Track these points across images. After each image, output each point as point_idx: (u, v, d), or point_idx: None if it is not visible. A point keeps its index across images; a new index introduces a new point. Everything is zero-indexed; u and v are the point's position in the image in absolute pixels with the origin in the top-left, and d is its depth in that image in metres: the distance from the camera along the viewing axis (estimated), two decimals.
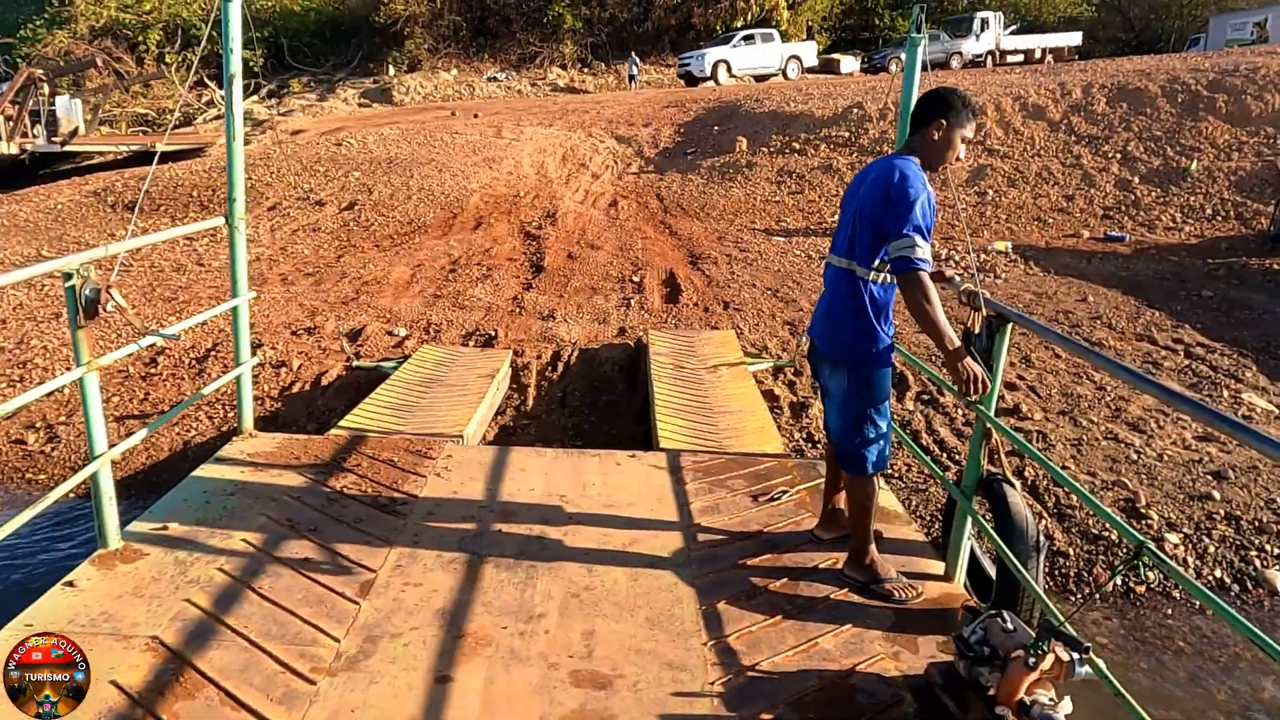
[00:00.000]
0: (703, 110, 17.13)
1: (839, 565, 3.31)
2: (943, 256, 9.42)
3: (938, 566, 3.38)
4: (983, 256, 9.38)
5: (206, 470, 3.93)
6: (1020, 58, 29.40)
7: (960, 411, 5.82)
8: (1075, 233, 10.09)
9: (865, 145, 12.84)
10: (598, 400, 6.16)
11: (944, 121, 2.77)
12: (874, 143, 12.83)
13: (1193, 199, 10.61)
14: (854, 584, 3.11)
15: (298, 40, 34.09)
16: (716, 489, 3.99)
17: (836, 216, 10.92)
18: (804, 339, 6.75)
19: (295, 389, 6.38)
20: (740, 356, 6.21)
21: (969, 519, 3.25)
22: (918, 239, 2.65)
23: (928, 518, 4.81)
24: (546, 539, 3.46)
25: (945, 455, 5.36)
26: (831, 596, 3.11)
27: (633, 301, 8.10)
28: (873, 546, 3.10)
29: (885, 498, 3.99)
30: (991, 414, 3.14)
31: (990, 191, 11.25)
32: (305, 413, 6.08)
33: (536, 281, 8.81)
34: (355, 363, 6.36)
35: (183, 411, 5.29)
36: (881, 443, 2.97)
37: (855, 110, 13.73)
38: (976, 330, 3.19)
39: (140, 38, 29.08)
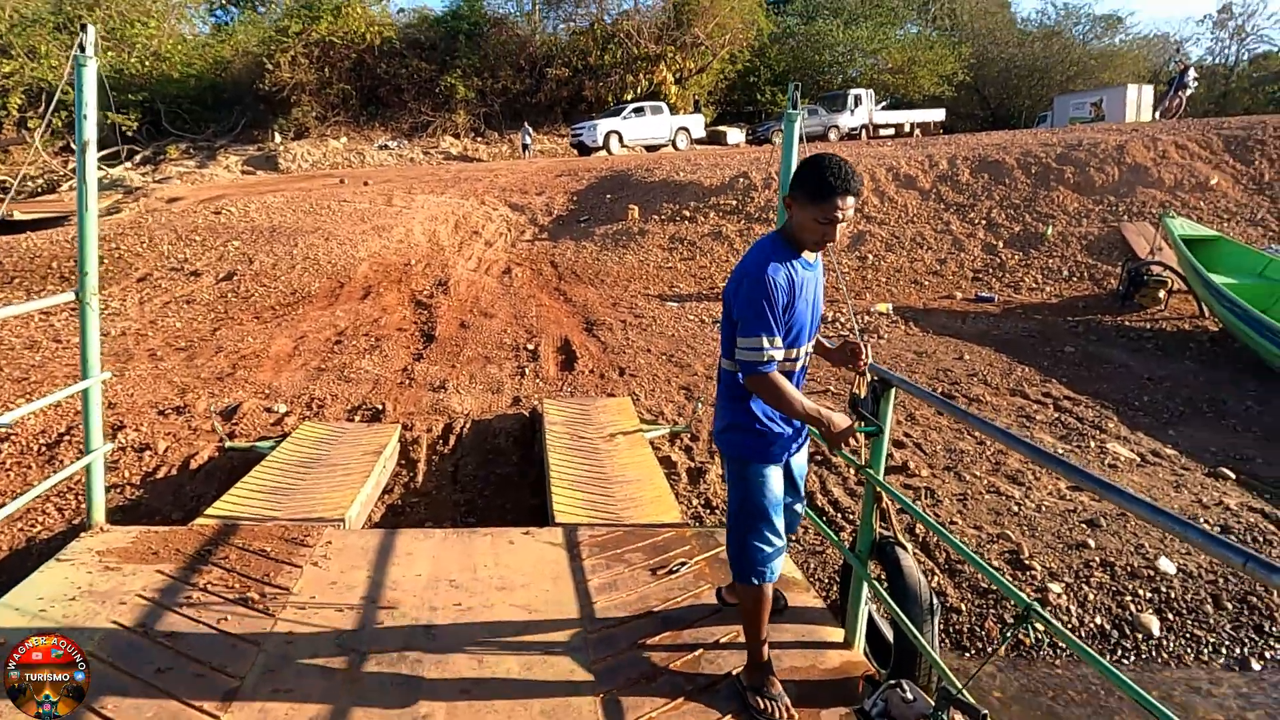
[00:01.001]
0: (595, 179, 17.42)
1: (740, 638, 3.23)
2: (828, 318, 9.75)
3: (837, 634, 3.35)
4: (866, 318, 9.76)
5: (45, 573, 3.53)
6: (891, 131, 31.53)
7: (853, 471, 5.92)
8: (949, 294, 10.66)
9: (752, 213, 13.31)
10: (491, 473, 5.96)
11: (790, 199, 2.52)
12: (760, 210, 13.32)
13: (1050, 261, 11.43)
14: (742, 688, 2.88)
15: (176, 106, 33.00)
16: (614, 564, 3.87)
17: (726, 282, 11.23)
18: (699, 405, 6.78)
19: (160, 474, 5.90)
20: (636, 423, 6.16)
21: (865, 584, 3.24)
22: (763, 339, 2.47)
23: (825, 580, 4.82)
24: (435, 629, 3.25)
25: (840, 515, 5.41)
26: (734, 674, 3.02)
27: (527, 369, 7.97)
28: (764, 651, 2.87)
29: (784, 563, 3.97)
30: (880, 477, 3.18)
31: (870, 256, 11.81)
32: (171, 500, 5.61)
33: (428, 351, 8.58)
34: (228, 444, 5.95)
35: (26, 504, 4.78)
36: (769, 552, 2.73)
37: (741, 180, 14.26)
38: (862, 394, 3.24)
39: (0, 102, 27.45)
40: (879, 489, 3.16)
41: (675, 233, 13.10)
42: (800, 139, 4.49)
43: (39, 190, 23.74)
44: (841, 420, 2.64)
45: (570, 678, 2.95)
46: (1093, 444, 6.40)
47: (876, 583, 3.11)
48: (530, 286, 11.18)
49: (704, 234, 12.91)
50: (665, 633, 3.28)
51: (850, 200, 2.46)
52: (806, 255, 2.65)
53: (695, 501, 5.58)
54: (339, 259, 12.40)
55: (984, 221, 12.44)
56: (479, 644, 3.15)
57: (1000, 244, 11.85)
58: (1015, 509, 5.46)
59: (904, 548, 3.22)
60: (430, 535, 4.14)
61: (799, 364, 2.79)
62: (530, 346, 8.69)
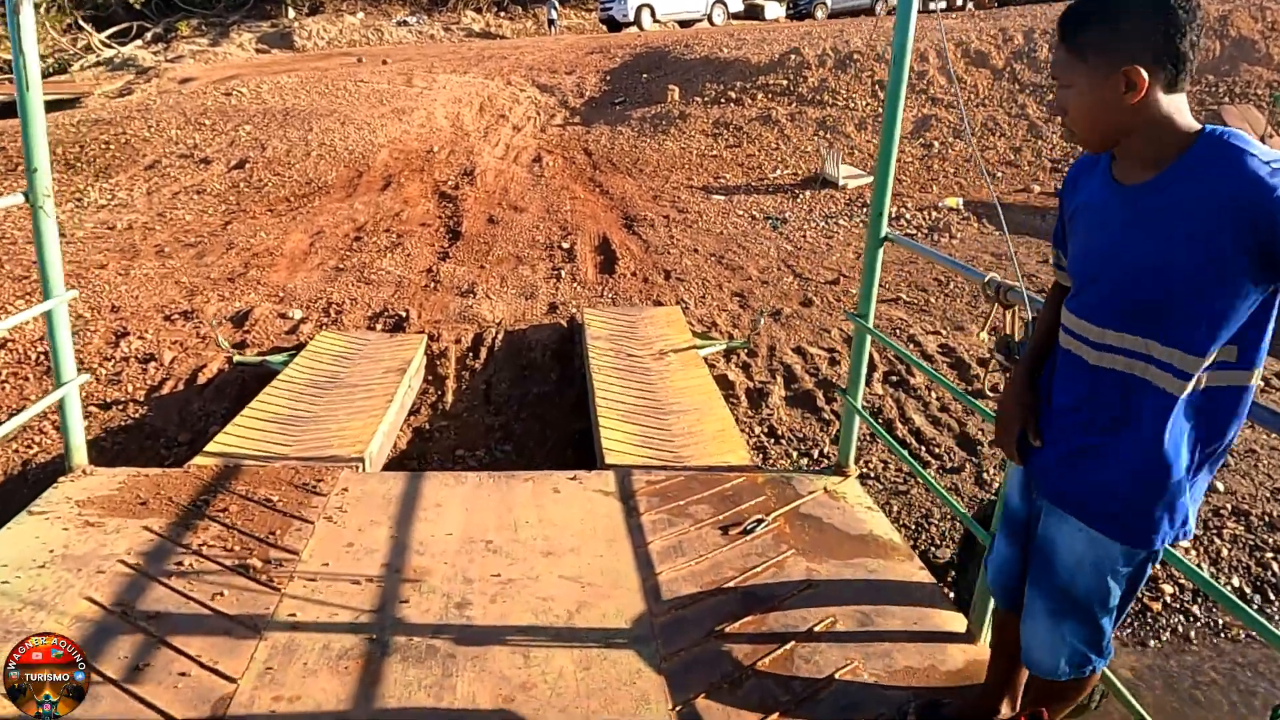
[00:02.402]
0: (629, 57, 16.09)
1: (838, 624, 2.66)
2: (892, 214, 8.83)
3: (956, 622, 2.75)
4: (934, 214, 8.83)
5: (14, 530, 3.00)
6: (943, 4, 29.01)
7: (935, 394, 5.24)
8: (1025, 187, 9.64)
9: (804, 94, 12.13)
10: (528, 394, 5.35)
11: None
12: (814, 92, 12.13)
13: None
14: None
15: None
16: (677, 519, 3.28)
17: (779, 172, 10.22)
18: (761, 318, 6.05)
19: (166, 389, 5.37)
20: (689, 338, 5.47)
21: None
22: None
23: (911, 526, 4.22)
24: (469, 609, 2.69)
25: (924, 449, 4.76)
26: (837, 677, 2.45)
27: (563, 272, 7.25)
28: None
29: (876, 520, 3.36)
30: None
31: (936, 144, 10.71)
32: (177, 420, 5.09)
33: (454, 250, 7.86)
34: (237, 358, 5.37)
35: (20, 425, 4.26)
36: (1100, 638, 1.73)
37: (793, 57, 12.96)
38: (1018, 337, 2.50)
39: None
40: None
41: (720, 116, 12.00)
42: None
43: (49, 71, 22.70)
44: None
45: (636, 682, 2.39)
46: None
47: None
48: (562, 177, 10.31)
49: (751, 118, 11.81)
50: (746, 616, 2.71)
51: None
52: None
53: (758, 430, 4.95)
54: (356, 145, 11.54)
55: (958, 108, 11.18)
56: (524, 633, 2.59)
57: (974, 135, 10.67)
58: None
59: None
60: (462, 480, 3.56)
61: None
62: (565, 245, 7.93)
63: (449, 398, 5.30)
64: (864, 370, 3.65)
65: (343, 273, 7.30)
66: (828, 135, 11.20)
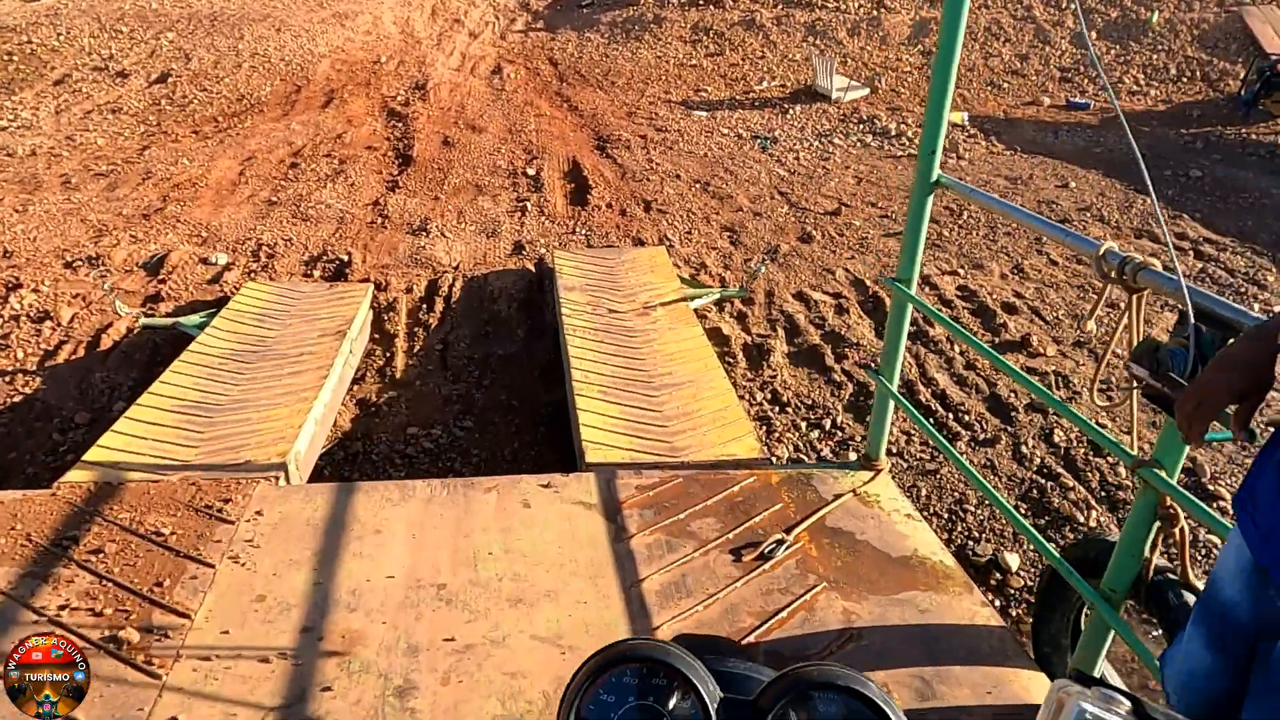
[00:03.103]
0: None
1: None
2: (891, 132, 8.01)
3: (1037, 682, 2.16)
4: None
5: None
6: None
7: (959, 350, 4.59)
8: (1034, 99, 8.82)
9: None
10: (491, 355, 4.62)
11: None
12: None
13: (1155, 57, 9.45)
14: None
15: None
16: (678, 540, 2.63)
17: (765, 83, 9.26)
18: (761, 268, 5.32)
19: (63, 355, 4.56)
20: (677, 286, 4.73)
21: (1110, 634, 2.01)
22: None
23: (944, 515, 3.62)
24: (412, 697, 2.04)
25: (951, 416, 4.14)
26: None
27: (529, 204, 6.40)
28: None
29: (919, 535, 2.74)
30: (1173, 479, 1.82)
31: (936, 50, 9.76)
32: (76, 394, 4.31)
33: (404, 178, 6.94)
34: (143, 320, 4.54)
35: None
36: None
37: None
38: (1169, 344, 1.79)
39: None
40: (1174, 501, 1.82)
41: (698, 20, 10.89)
42: None
43: None
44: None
45: None
46: (1255, 306, 5.01)
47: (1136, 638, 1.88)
48: (526, 90, 9.27)
49: (733, 23, 10.72)
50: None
51: None
52: None
53: (760, 396, 4.28)
54: (294, 55, 10.32)
55: (1072, 4, 10.25)
56: None
57: (1093, 35, 9.78)
58: None
59: (1195, 591, 1.95)
60: (409, 493, 2.86)
61: None
62: (531, 172, 7.04)
63: (399, 361, 4.55)
64: (902, 347, 2.96)
65: (276, 207, 6.39)
66: (818, 42, 10.20)
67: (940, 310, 5.00)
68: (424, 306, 5.04)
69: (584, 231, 5.96)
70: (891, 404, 3.03)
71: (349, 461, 3.89)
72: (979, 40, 9.86)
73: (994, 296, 5.14)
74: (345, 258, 5.52)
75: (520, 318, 4.91)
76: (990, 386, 4.34)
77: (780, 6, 10.87)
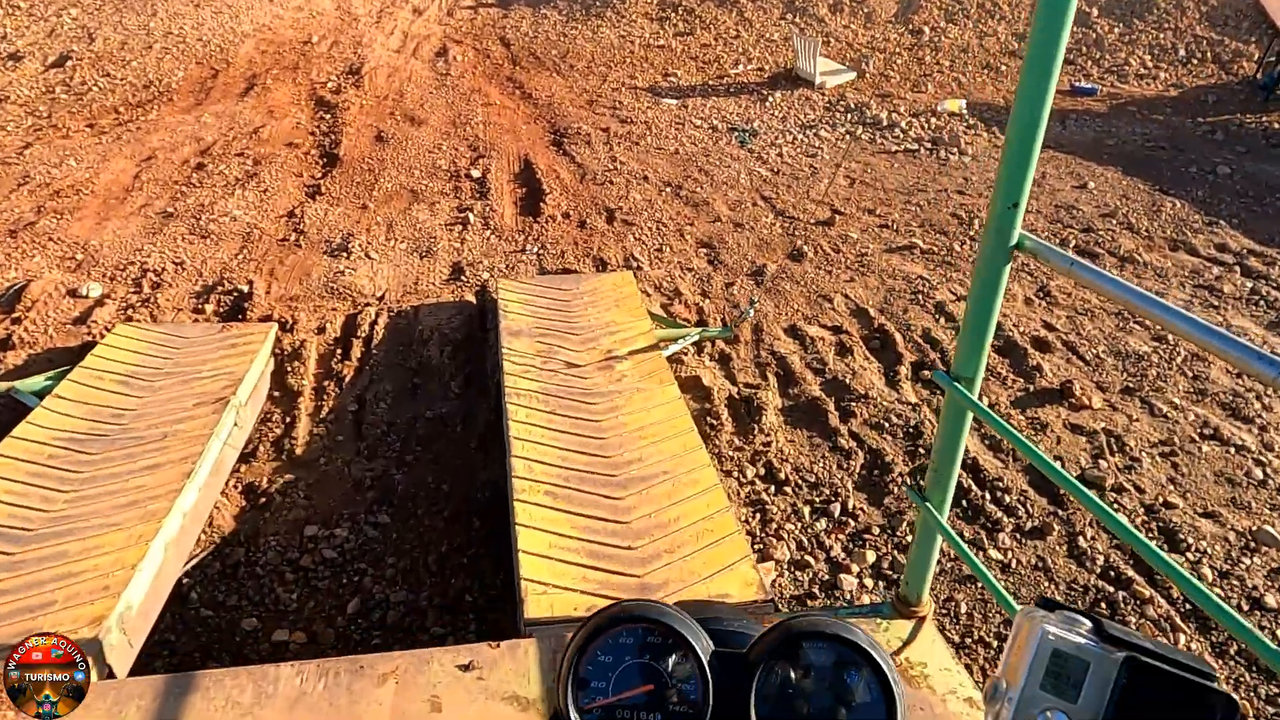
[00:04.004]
0: None
1: None
2: (882, 122, 7.17)
3: None
4: (933, 121, 7.19)
5: None
6: None
7: (987, 399, 3.79)
8: None
9: None
10: (417, 419, 3.72)
11: None
12: None
13: (1162, 36, 8.70)
14: None
15: None
16: None
17: (741, 67, 8.36)
18: (751, 309, 4.47)
19: None
20: (646, 326, 3.86)
21: None
22: None
23: (993, 643, 2.82)
24: None
25: (987, 496, 3.33)
26: None
27: (472, 214, 5.47)
28: None
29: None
30: None
31: (926, 30, 8.93)
32: None
33: (327, 182, 5.96)
34: None
35: None
36: None
37: None
38: None
39: None
40: None
41: None
42: None
43: None
44: None
45: None
46: None
47: None
48: (474, 75, 8.27)
49: None
50: None
51: None
52: None
53: (750, 471, 3.44)
54: (213, 35, 9.19)
55: None
56: None
57: (1094, 11, 9.00)
58: (1258, 470, 3.43)
59: None
60: (268, 687, 1.98)
61: None
62: (476, 173, 6.09)
63: (301, 430, 3.64)
64: (957, 466, 2.11)
65: (172, 220, 5.39)
66: (797, 20, 9.30)
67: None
68: (338, 352, 4.11)
69: (536, 249, 5.05)
70: (940, 539, 2.20)
71: (226, 576, 2.99)
72: (972, 18, 9.03)
73: (1021, 329, 4.34)
74: (246, 287, 4.57)
75: (456, 366, 4.01)
76: (1033, 441, 3.54)
77: None
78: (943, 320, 4.41)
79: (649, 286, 4.64)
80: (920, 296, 4.61)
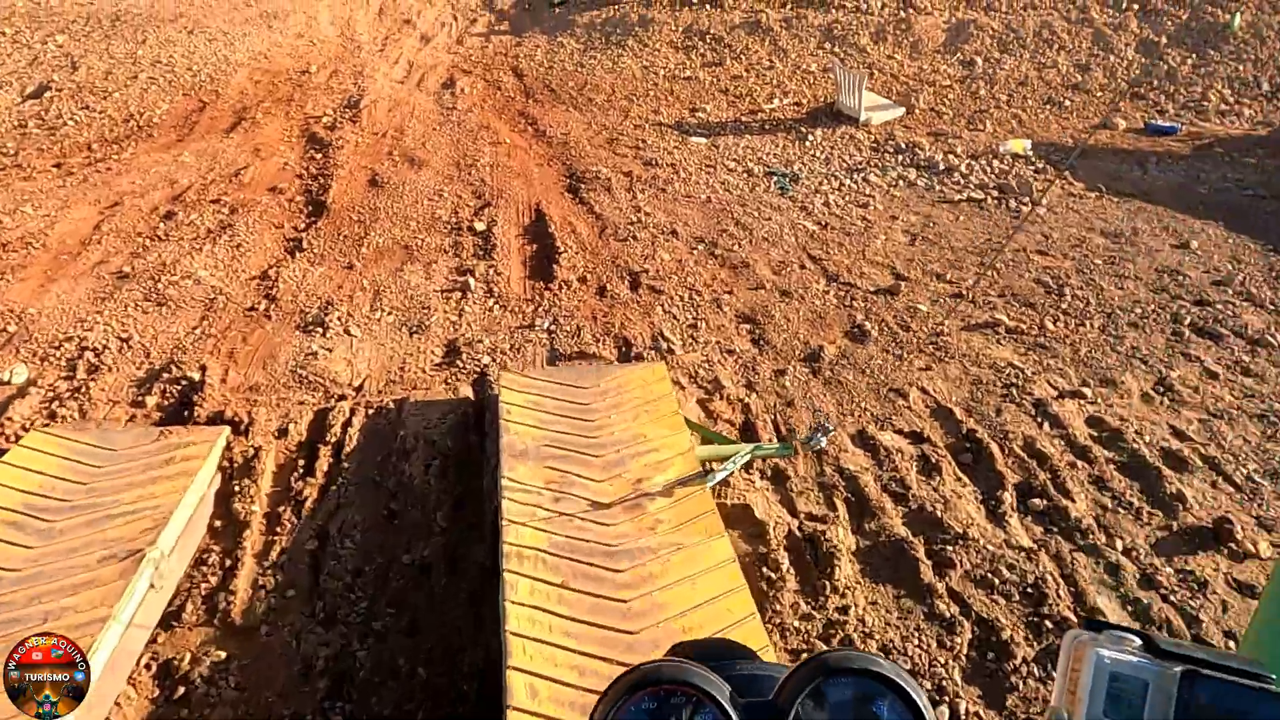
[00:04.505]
0: None
1: None
2: (939, 165, 6.37)
3: None
4: (995, 164, 6.38)
5: None
6: None
7: (1120, 540, 2.95)
8: (1103, 120, 7.21)
9: None
10: (392, 564, 2.91)
11: None
12: None
13: (1241, 68, 7.87)
14: None
15: None
16: None
17: (777, 101, 7.60)
18: (823, 436, 3.63)
19: None
20: (686, 446, 3.04)
21: None
22: None
23: None
24: None
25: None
26: None
27: (474, 277, 4.69)
28: None
29: None
30: None
31: (979, 60, 8.14)
32: None
33: (311, 235, 5.21)
34: None
35: None
36: None
37: None
38: None
39: None
40: None
41: (692, 23, 9.19)
42: None
43: None
44: None
45: None
46: None
47: None
48: (483, 109, 7.54)
49: (734, 25, 9.03)
50: None
51: None
52: None
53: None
54: (205, 64, 8.53)
55: (1135, 5, 8.64)
56: None
57: (1163, 40, 8.19)
58: None
59: None
60: None
61: None
62: (480, 225, 5.33)
63: (242, 581, 2.83)
64: None
65: (127, 283, 4.65)
66: (837, 49, 8.54)
67: (1075, 463, 3.36)
68: (300, 463, 3.33)
69: (547, 323, 4.26)
70: None
71: None
72: (1029, 47, 8.24)
73: (1146, 437, 3.50)
74: (198, 374, 3.80)
75: (444, 488, 3.21)
76: (1194, 608, 2.70)
77: (790, 6, 9.18)
78: (1046, 426, 3.57)
79: (683, 375, 3.83)
80: (1014, 391, 3.77)
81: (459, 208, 5.60)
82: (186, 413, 3.58)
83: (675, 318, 4.31)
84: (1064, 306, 4.45)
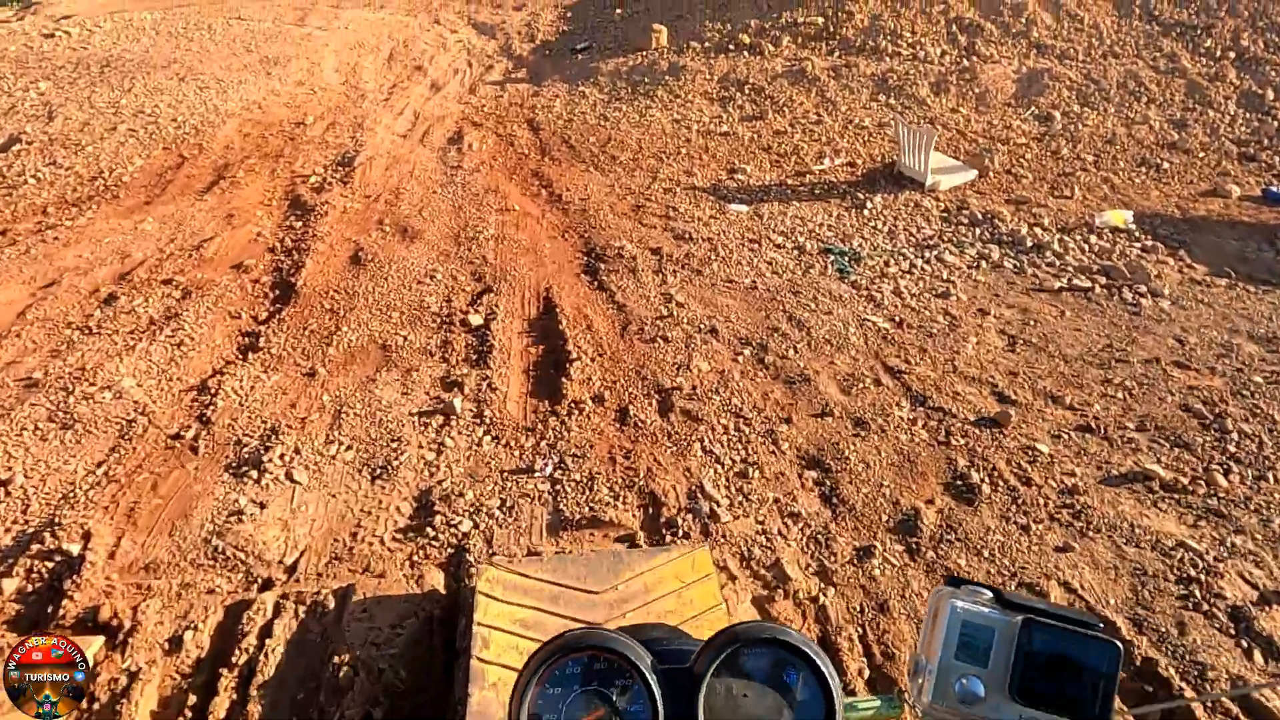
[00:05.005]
0: None
1: None
2: (1025, 241, 5.35)
3: None
4: (1092, 239, 5.35)
5: None
6: None
7: None
8: (1213, 186, 6.16)
9: (851, 38, 8.43)
10: None
11: None
12: (864, 34, 8.44)
13: None
14: None
15: None
16: None
17: (828, 161, 6.63)
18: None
19: None
20: None
21: None
22: None
23: None
24: None
25: None
26: None
27: (461, 395, 3.72)
28: None
29: None
30: None
31: (1057, 115, 7.14)
32: None
33: (272, 328, 4.28)
34: None
35: None
36: None
37: None
38: None
39: None
40: None
41: (729, 71, 8.30)
42: None
43: None
44: None
45: None
46: None
47: None
48: (492, 168, 6.65)
49: (776, 74, 8.12)
50: None
51: None
52: None
53: None
54: (192, 114, 7.76)
55: (1231, 53, 7.63)
56: None
57: (1269, 93, 7.15)
58: None
59: None
60: None
61: None
62: (476, 319, 4.37)
63: None
64: None
65: (33, 394, 3.73)
66: (893, 101, 7.59)
67: None
68: (190, 704, 2.32)
69: (550, 465, 3.26)
70: None
71: None
72: (1113, 100, 7.25)
73: None
74: (79, 545, 2.83)
75: None
76: None
77: (839, 53, 8.26)
78: (1258, 654, 2.49)
79: (731, 557, 2.80)
80: (1195, 591, 2.70)
81: (453, 293, 4.66)
82: (50, 610, 2.61)
83: (719, 460, 3.29)
84: (1231, 449, 3.38)
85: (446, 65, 9.54)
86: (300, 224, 5.60)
